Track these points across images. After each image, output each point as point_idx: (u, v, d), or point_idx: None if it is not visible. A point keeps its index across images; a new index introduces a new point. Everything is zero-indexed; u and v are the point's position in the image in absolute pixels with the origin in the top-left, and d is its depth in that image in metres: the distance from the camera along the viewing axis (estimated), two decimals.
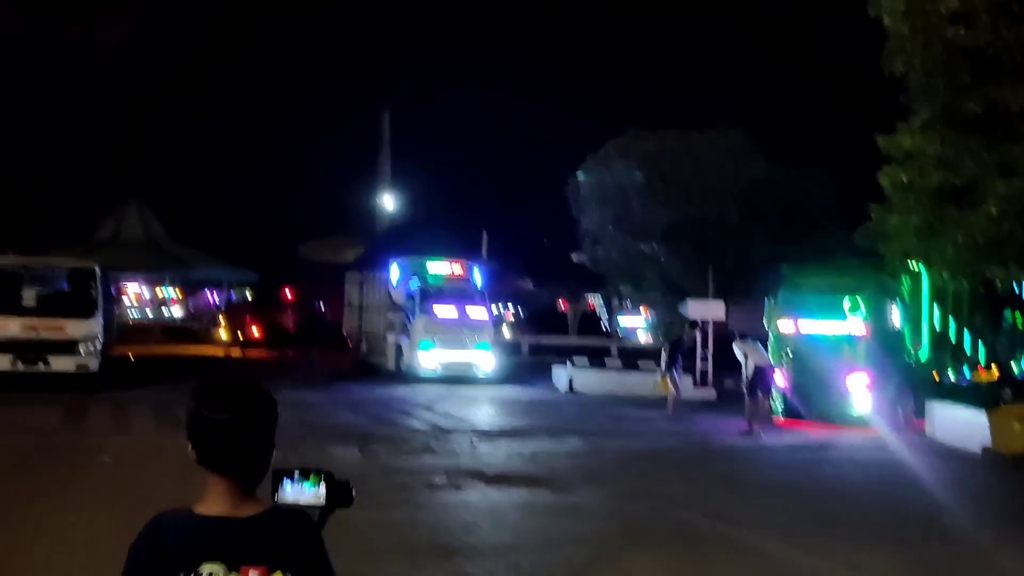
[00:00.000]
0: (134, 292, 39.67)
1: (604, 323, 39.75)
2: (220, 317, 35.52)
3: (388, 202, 48.45)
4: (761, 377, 17.41)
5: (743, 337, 18.13)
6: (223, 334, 34.30)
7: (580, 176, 27.61)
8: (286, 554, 2.30)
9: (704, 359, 23.65)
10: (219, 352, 31.60)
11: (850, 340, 19.07)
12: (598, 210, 26.99)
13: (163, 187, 41.70)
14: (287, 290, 37.52)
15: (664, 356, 20.20)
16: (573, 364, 25.21)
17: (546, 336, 34.73)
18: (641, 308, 38.18)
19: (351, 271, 31.99)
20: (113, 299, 27.90)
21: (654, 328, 36.84)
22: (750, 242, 28.77)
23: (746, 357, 17.46)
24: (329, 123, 53.61)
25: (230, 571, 2.27)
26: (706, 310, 23.54)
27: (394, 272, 27.15)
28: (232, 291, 36.70)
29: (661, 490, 11.93)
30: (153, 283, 39.55)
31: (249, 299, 36.56)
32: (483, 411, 20.45)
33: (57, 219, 34.55)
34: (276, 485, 2.43)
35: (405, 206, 48.12)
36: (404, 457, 13.75)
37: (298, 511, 2.39)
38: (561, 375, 25.30)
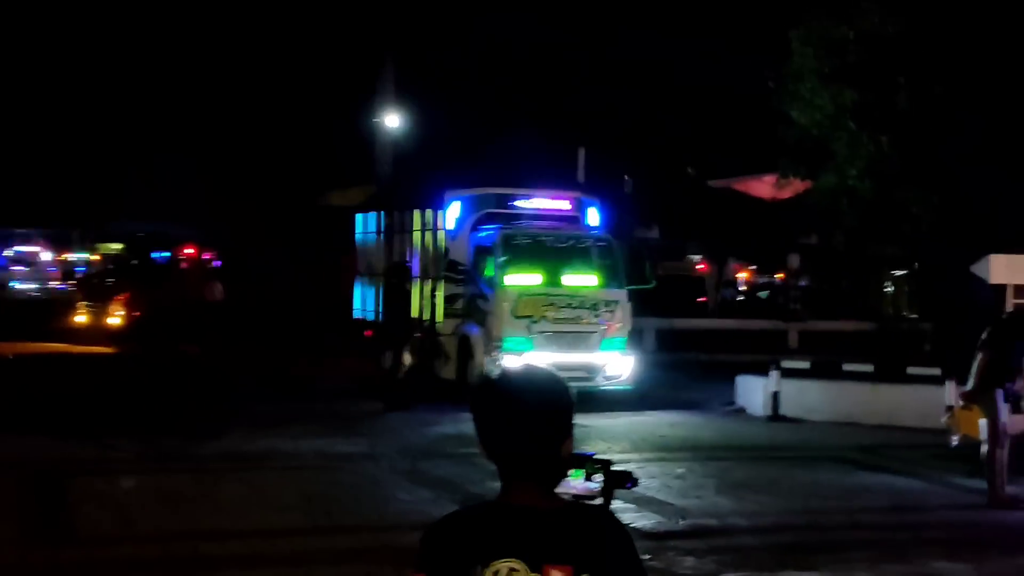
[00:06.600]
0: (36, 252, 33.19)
1: (793, 297, 30.42)
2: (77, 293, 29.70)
3: (392, 119, 38.64)
4: None
5: None
6: (80, 317, 28.40)
7: (794, 41, 18.99)
8: (592, 553, 2.55)
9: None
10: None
11: None
12: (825, 94, 18.71)
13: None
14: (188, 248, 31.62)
15: (977, 364, 12.44)
16: (780, 371, 17.68)
17: (679, 318, 26.96)
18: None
19: (365, 214, 23.60)
20: None
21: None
22: None
23: None
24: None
25: (532, 571, 2.52)
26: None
27: (453, 214, 19.30)
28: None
29: None
30: (57, 241, 32.67)
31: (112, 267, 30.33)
32: (659, 472, 12.88)
33: None
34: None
35: (422, 125, 39.31)
36: None
37: (602, 508, 2.74)
38: (755, 389, 18.05)
